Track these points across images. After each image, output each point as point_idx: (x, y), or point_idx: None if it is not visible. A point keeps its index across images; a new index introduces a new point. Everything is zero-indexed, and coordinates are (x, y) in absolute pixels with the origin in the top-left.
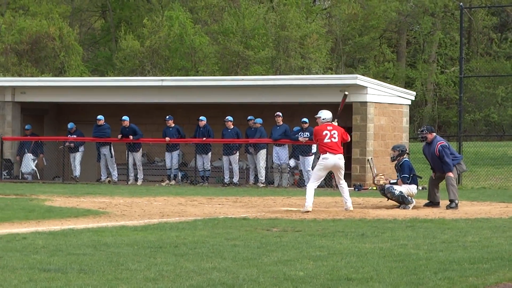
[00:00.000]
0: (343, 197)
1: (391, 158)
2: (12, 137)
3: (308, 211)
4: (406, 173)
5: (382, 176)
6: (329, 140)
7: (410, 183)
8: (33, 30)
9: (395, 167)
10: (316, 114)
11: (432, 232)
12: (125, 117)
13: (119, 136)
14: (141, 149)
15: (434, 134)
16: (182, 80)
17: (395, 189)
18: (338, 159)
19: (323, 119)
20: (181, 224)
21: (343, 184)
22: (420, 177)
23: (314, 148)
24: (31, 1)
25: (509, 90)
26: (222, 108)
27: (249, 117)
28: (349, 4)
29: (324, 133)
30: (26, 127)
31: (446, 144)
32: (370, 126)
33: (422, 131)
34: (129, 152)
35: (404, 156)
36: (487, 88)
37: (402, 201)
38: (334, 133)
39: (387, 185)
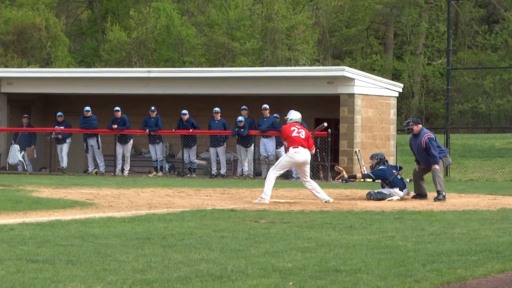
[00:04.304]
0: (316, 196)
1: (370, 167)
2: (2, 128)
3: (265, 204)
4: (371, 173)
5: (341, 168)
6: (297, 135)
7: (391, 186)
8: (19, 21)
9: None
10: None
11: (420, 224)
12: (117, 108)
13: (114, 126)
14: (131, 140)
15: (421, 126)
16: (170, 72)
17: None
18: (308, 154)
19: (290, 119)
20: (168, 215)
21: (311, 181)
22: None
23: None
24: None
25: (496, 81)
26: (209, 99)
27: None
28: None
29: (291, 128)
30: (24, 115)
31: (433, 137)
32: (358, 118)
33: (408, 123)
34: (119, 144)
35: (381, 165)
36: (474, 79)
37: (382, 198)
38: (301, 131)
39: (372, 192)
